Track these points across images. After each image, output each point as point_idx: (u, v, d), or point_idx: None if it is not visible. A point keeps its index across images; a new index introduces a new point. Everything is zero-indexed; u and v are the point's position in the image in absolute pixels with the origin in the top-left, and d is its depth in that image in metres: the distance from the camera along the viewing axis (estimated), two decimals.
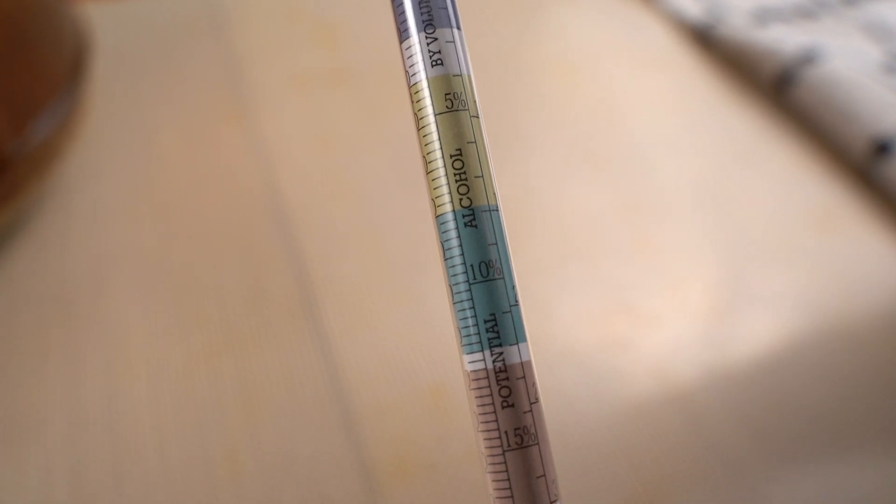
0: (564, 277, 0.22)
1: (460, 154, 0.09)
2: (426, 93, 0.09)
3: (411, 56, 0.09)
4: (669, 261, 0.22)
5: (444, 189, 0.09)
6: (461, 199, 0.09)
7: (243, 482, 0.17)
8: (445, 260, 0.10)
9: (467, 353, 0.10)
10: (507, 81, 0.28)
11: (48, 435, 0.18)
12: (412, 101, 0.10)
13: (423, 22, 0.09)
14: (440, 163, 0.09)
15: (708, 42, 0.30)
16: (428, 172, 0.10)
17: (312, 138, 0.25)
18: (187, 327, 0.20)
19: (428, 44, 0.09)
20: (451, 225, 0.09)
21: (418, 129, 0.09)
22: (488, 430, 0.09)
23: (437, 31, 0.09)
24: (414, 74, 0.10)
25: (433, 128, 0.09)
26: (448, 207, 0.09)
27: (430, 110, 0.09)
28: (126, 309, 0.20)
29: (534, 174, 0.25)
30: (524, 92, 0.28)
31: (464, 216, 0.09)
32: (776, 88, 0.27)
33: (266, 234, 0.22)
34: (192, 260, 0.22)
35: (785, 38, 0.28)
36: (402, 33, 0.10)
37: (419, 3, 0.09)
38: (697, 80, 0.29)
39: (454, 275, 0.09)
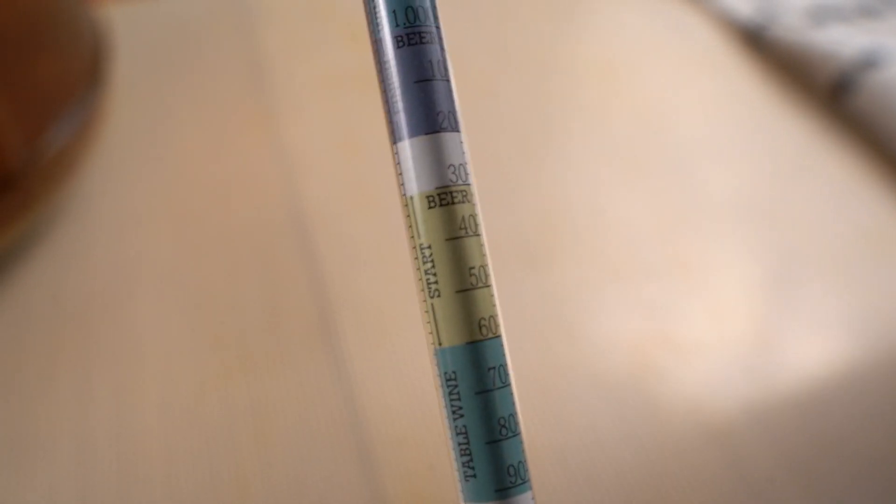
0: (597, 300, 0.21)
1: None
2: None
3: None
4: (711, 282, 0.21)
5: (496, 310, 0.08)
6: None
7: None
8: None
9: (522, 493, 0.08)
10: (545, 85, 0.27)
11: (55, 458, 0.17)
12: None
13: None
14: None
15: (759, 44, 0.28)
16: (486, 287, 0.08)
17: (338, 144, 0.25)
18: (201, 349, 0.19)
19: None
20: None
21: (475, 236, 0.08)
22: None
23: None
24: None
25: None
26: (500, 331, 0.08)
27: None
28: (140, 329, 0.20)
29: (569, 185, 0.23)
30: (561, 96, 0.27)
31: None
32: (832, 95, 0.26)
33: (287, 249, 0.22)
34: (209, 278, 0.21)
35: (844, 40, 0.26)
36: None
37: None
38: (747, 86, 0.27)
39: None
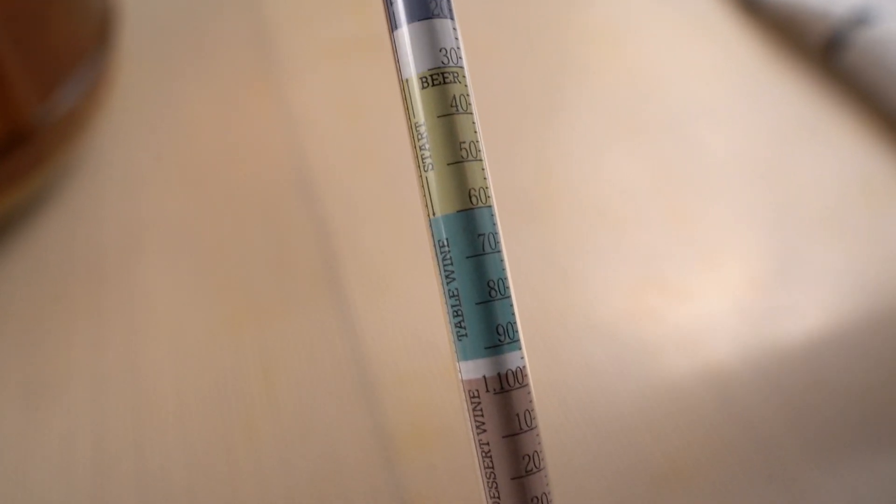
0: (593, 248, 0.21)
1: None
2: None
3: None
4: (708, 234, 0.21)
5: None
6: None
7: (260, 448, 0.17)
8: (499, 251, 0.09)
9: (512, 351, 0.09)
10: (543, 48, 0.27)
11: (71, 399, 0.18)
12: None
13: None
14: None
15: (754, 6, 0.28)
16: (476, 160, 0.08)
17: (342, 107, 0.25)
18: (211, 296, 0.20)
19: None
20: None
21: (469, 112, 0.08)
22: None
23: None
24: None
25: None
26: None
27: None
28: (152, 278, 0.20)
29: (569, 143, 0.24)
30: (560, 59, 0.27)
31: None
32: (825, 53, 0.26)
33: (292, 203, 0.22)
34: (218, 230, 0.21)
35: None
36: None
37: None
38: (742, 47, 0.27)
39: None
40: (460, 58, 0.08)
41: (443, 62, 0.08)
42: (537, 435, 0.08)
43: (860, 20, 0.25)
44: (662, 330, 0.19)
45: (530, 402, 0.08)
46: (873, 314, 0.20)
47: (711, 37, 0.28)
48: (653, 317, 0.19)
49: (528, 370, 0.08)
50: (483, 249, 0.08)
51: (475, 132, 0.08)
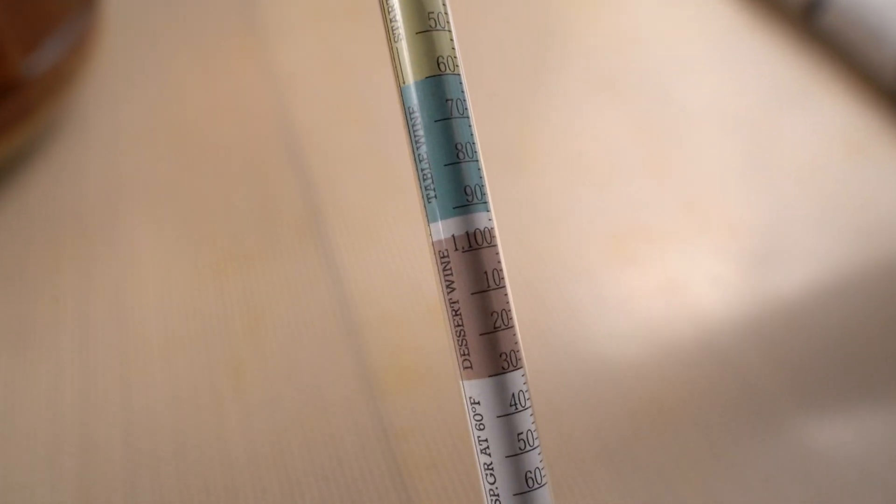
0: (578, 198, 0.21)
1: None
2: None
3: None
4: (689, 186, 0.22)
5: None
6: None
7: (246, 388, 0.17)
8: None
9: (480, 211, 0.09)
10: (529, 9, 0.28)
11: (57, 347, 0.18)
12: None
13: None
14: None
15: None
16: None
17: (325, 66, 0.25)
18: (196, 243, 0.20)
19: None
20: None
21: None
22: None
23: None
24: None
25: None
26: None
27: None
28: (138, 227, 0.20)
29: (554, 100, 0.24)
30: (546, 20, 0.27)
31: None
32: (804, 13, 0.26)
33: (276, 157, 0.22)
34: (203, 182, 0.22)
35: None
36: None
37: None
38: (723, 7, 0.28)
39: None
40: None
41: None
42: (506, 294, 0.08)
43: None
44: (644, 274, 0.19)
45: (499, 261, 0.08)
46: (852, 260, 0.20)
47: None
48: (634, 262, 0.20)
49: (497, 233, 0.08)
50: (451, 114, 0.08)
51: (443, 4, 0.09)
